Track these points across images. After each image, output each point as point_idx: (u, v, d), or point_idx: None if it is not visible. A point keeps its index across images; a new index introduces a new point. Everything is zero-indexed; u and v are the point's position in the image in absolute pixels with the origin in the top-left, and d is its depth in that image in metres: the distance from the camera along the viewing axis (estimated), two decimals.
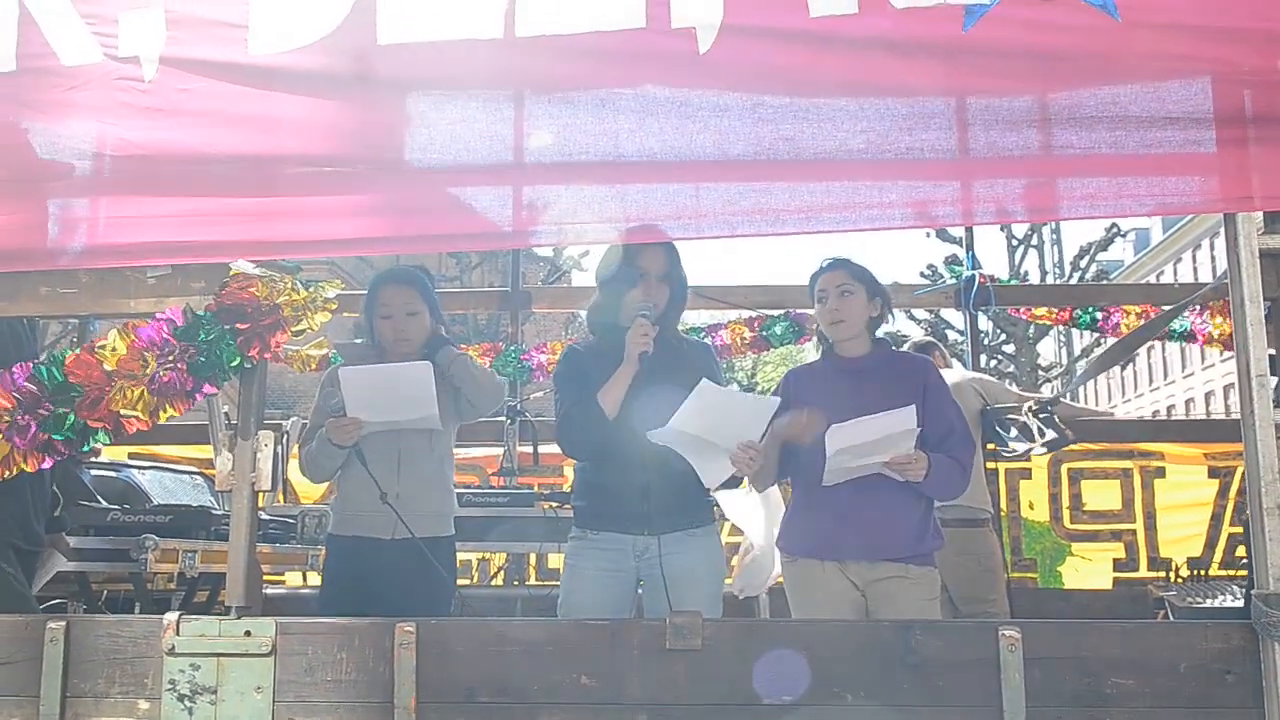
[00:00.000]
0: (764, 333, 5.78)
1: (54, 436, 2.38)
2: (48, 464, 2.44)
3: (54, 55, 2.39)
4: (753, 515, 3.55)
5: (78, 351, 2.40)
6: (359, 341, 3.25)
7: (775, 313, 5.76)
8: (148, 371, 2.35)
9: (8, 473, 2.40)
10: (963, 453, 2.82)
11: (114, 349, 2.37)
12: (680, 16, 2.19)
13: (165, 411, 2.40)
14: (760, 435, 2.71)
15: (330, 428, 2.91)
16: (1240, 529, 5.21)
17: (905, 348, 4.55)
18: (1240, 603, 4.13)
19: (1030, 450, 4.10)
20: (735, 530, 3.99)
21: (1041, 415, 3.85)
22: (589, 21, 2.21)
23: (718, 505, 3.34)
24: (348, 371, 2.88)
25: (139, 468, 4.64)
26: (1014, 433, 4.06)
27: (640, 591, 2.83)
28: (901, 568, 2.77)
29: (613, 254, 2.88)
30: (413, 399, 2.86)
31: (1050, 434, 3.83)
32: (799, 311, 5.73)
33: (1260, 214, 2.24)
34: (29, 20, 2.39)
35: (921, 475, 2.70)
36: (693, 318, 8.03)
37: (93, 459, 4.08)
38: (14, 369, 2.40)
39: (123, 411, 2.36)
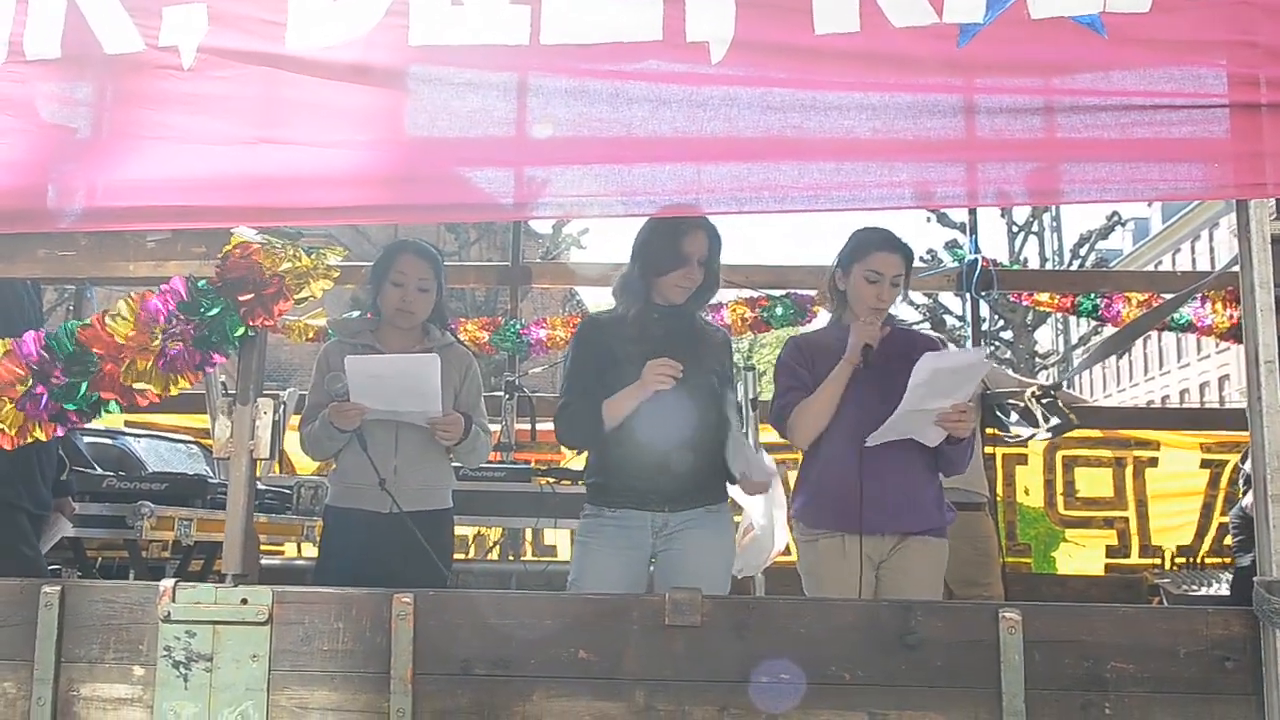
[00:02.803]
0: (765, 314, 5.75)
1: (66, 406, 2.36)
2: (60, 432, 2.43)
3: (97, 44, 2.45)
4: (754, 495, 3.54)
5: (88, 322, 2.38)
6: (355, 315, 3.22)
7: (777, 293, 5.73)
8: (155, 345, 2.34)
9: (22, 441, 2.38)
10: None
11: (124, 318, 2.35)
12: (695, 31, 2.29)
13: (176, 384, 2.39)
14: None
15: (333, 412, 2.90)
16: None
17: None
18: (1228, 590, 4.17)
19: (1035, 435, 4.10)
20: (734, 508, 3.98)
21: (1045, 401, 3.85)
22: (610, 33, 2.31)
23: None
24: (354, 359, 2.86)
25: (134, 435, 4.63)
26: (1014, 417, 4.06)
27: (652, 569, 2.82)
28: (920, 540, 2.82)
29: (654, 231, 2.84)
30: (417, 392, 2.85)
31: (1055, 419, 3.83)
32: (800, 292, 5.70)
33: (1272, 200, 2.22)
34: (76, 12, 2.47)
35: (970, 430, 2.73)
36: None
37: (88, 425, 4.06)
38: (25, 338, 2.38)
39: (135, 385, 2.35)
